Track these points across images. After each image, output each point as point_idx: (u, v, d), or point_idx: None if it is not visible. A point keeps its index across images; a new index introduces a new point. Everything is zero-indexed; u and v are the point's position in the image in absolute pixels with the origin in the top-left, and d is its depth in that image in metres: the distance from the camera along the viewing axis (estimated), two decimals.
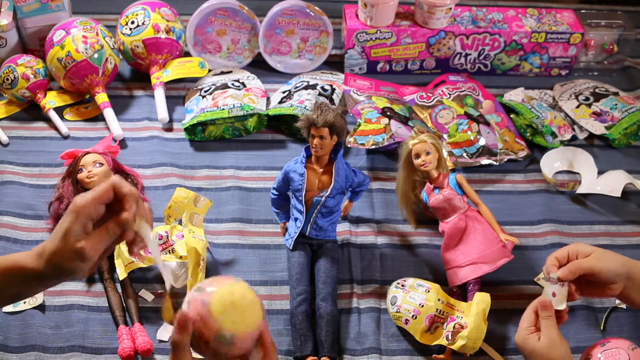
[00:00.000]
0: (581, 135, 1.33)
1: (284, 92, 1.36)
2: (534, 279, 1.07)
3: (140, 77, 1.41)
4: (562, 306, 0.84)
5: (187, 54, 1.43)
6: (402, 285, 1.00)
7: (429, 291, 0.98)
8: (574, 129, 1.33)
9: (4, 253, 1.05)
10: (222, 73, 1.42)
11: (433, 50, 1.44)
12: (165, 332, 0.99)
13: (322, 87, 1.34)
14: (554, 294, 0.85)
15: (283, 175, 1.04)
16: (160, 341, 0.98)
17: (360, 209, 1.17)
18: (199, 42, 1.43)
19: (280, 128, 1.31)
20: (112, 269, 1.04)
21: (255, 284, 1.05)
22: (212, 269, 1.06)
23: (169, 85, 1.38)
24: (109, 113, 1.29)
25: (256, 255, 1.09)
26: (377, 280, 1.06)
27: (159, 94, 1.33)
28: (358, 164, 1.25)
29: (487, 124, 1.28)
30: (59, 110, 1.32)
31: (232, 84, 1.35)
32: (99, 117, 1.32)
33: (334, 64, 1.47)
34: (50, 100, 1.32)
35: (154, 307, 1.01)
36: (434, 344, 0.96)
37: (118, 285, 1.03)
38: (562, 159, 1.27)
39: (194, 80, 1.40)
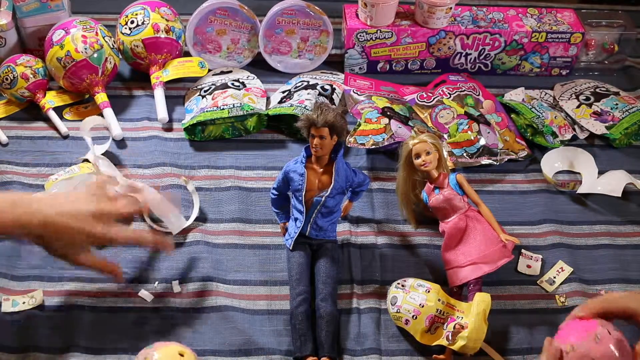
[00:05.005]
0: (582, 135, 1.33)
1: (283, 92, 1.35)
2: (537, 281, 1.07)
3: (139, 77, 1.40)
4: None
5: (187, 54, 1.42)
6: (402, 286, 1.00)
7: (429, 291, 0.98)
8: (574, 129, 1.33)
9: (4, 252, 1.06)
10: (222, 73, 1.41)
11: (433, 50, 1.43)
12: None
13: (322, 87, 1.34)
14: None
15: (283, 175, 1.04)
16: None
17: (360, 209, 1.16)
18: (198, 41, 1.42)
19: (280, 128, 1.31)
20: None
21: (255, 284, 1.05)
22: (213, 269, 1.06)
23: (169, 85, 1.38)
24: (108, 113, 1.29)
25: (256, 255, 1.09)
26: (377, 280, 1.06)
27: (159, 94, 1.33)
28: (358, 164, 1.25)
29: (488, 123, 1.28)
30: (59, 110, 1.31)
31: (232, 84, 1.34)
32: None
33: (334, 63, 1.47)
34: (50, 100, 1.31)
35: (152, 307, 1.01)
36: (434, 344, 0.96)
37: None
38: (563, 159, 1.27)
39: (194, 80, 1.40)
